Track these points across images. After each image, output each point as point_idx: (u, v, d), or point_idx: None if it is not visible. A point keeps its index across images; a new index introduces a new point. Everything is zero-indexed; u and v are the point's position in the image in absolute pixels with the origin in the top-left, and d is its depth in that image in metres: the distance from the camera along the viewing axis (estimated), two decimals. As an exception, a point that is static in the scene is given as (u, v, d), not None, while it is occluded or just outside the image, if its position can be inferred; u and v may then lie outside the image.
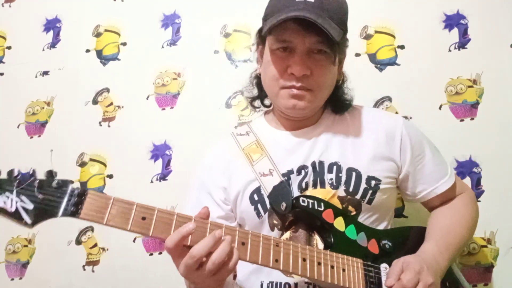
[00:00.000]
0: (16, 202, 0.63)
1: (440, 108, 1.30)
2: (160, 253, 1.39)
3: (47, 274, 1.45)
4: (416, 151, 0.96)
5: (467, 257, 1.20)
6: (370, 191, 0.90)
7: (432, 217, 0.99)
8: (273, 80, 0.90)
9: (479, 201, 1.20)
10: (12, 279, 1.47)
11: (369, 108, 1.06)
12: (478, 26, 1.32)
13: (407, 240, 0.93)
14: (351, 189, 0.90)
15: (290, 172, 0.92)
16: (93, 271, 1.42)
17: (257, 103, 1.08)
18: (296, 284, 0.86)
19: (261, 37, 0.95)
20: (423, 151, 0.97)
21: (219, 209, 0.96)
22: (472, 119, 1.28)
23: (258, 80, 1.03)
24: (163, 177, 1.44)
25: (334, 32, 0.82)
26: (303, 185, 0.91)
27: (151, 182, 1.43)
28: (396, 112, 1.31)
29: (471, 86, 1.29)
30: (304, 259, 0.76)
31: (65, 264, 1.44)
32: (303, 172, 0.92)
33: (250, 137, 1.01)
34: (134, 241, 1.41)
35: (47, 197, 0.64)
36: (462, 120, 1.28)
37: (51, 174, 0.67)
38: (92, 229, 1.44)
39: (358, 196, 0.90)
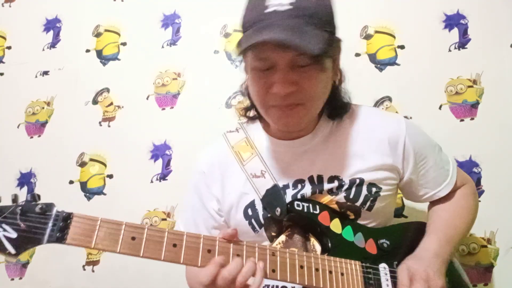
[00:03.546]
0: None
1: (440, 108, 1.30)
2: (160, 253, 1.39)
3: (47, 274, 1.45)
4: (418, 158, 0.92)
5: (467, 257, 1.20)
6: (371, 198, 0.87)
7: (432, 210, 0.98)
8: (259, 99, 0.82)
9: (479, 201, 1.20)
10: (12, 279, 1.47)
11: (370, 109, 0.99)
12: (478, 26, 1.32)
13: (405, 236, 0.91)
14: (351, 196, 0.87)
15: (286, 187, 0.88)
16: (93, 271, 1.42)
17: (251, 113, 0.99)
18: None
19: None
20: (426, 157, 0.93)
21: (212, 220, 0.94)
22: (472, 119, 1.28)
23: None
24: (163, 177, 1.44)
25: (315, 42, 0.72)
26: (299, 196, 0.88)
27: (151, 182, 1.43)
28: (396, 113, 1.31)
29: (471, 86, 1.29)
30: (301, 267, 0.75)
31: (65, 264, 1.44)
32: (299, 186, 0.88)
33: (240, 134, 0.97)
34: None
35: (30, 224, 0.61)
36: (462, 120, 1.28)
37: (33, 197, 0.63)
38: (92, 229, 1.44)
39: (358, 203, 0.87)
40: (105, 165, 1.49)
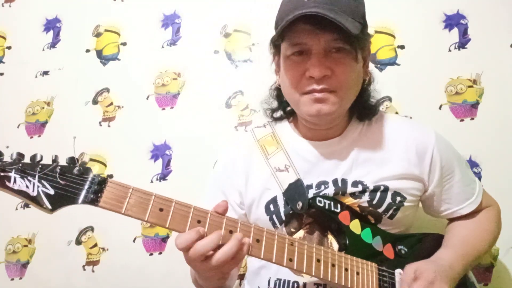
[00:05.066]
0: (38, 187, 0.63)
1: (440, 108, 1.30)
2: (160, 253, 1.39)
3: (47, 274, 1.45)
4: (445, 171, 0.91)
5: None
6: (394, 207, 0.87)
7: (452, 225, 0.97)
8: (292, 87, 0.84)
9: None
10: (12, 279, 1.47)
11: (400, 117, 0.99)
12: (478, 26, 1.32)
13: (423, 246, 0.91)
14: (375, 202, 0.86)
15: (309, 187, 0.88)
16: (93, 271, 1.42)
17: (278, 114, 1.01)
18: (305, 284, 0.85)
19: (276, 46, 0.90)
20: (453, 171, 0.92)
21: (233, 212, 0.94)
22: (472, 119, 1.28)
23: (278, 92, 0.99)
24: (163, 177, 1.44)
25: (350, 26, 0.76)
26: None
27: (151, 182, 1.43)
28: (396, 113, 1.32)
29: (471, 86, 1.29)
30: (318, 260, 0.75)
31: (65, 264, 1.44)
32: (322, 187, 0.88)
33: (267, 129, 0.99)
34: (134, 241, 1.41)
35: (68, 184, 0.64)
36: (462, 120, 1.28)
37: (73, 160, 0.66)
38: (92, 229, 1.44)
39: (380, 210, 0.87)
40: (105, 165, 1.49)
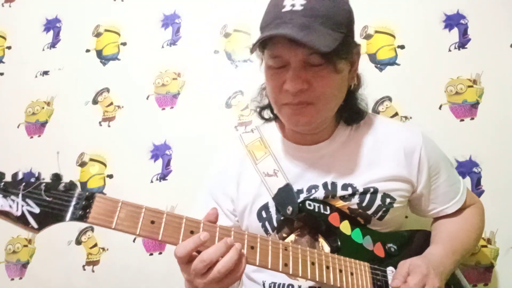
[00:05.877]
0: (22, 206, 0.60)
1: (440, 108, 1.30)
2: (160, 253, 1.39)
3: (47, 274, 1.45)
4: (432, 172, 0.93)
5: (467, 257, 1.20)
6: (383, 209, 0.88)
7: (439, 222, 0.98)
8: (273, 97, 0.85)
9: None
10: (12, 279, 1.47)
11: (388, 119, 1.00)
12: (478, 26, 1.32)
13: (411, 243, 0.93)
14: (364, 204, 0.87)
15: (300, 191, 0.89)
16: (93, 271, 1.42)
17: (266, 113, 1.01)
18: (299, 287, 0.86)
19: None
20: (439, 172, 0.94)
21: (227, 220, 0.94)
22: (472, 119, 1.28)
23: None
24: (163, 177, 1.44)
25: (325, 41, 0.73)
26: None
27: (151, 182, 1.43)
28: (396, 113, 1.32)
29: (471, 86, 1.29)
30: (313, 263, 0.76)
31: (65, 264, 1.44)
32: (313, 191, 0.89)
33: (255, 134, 0.99)
34: (134, 241, 1.41)
35: (54, 201, 0.62)
36: (462, 120, 1.28)
37: (57, 176, 0.64)
38: (92, 229, 1.44)
39: (370, 212, 0.88)
40: (105, 165, 1.49)
